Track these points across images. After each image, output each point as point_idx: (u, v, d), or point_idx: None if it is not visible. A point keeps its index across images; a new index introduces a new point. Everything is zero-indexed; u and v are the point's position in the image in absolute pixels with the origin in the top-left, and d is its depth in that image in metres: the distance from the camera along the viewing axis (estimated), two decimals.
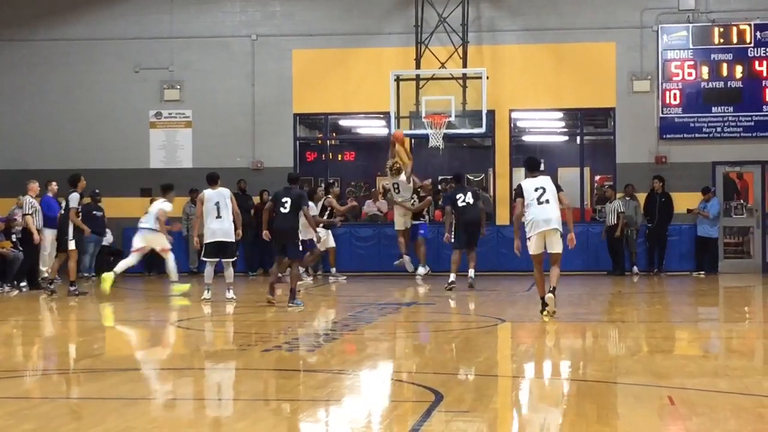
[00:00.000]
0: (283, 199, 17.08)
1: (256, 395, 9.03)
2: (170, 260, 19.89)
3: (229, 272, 18.12)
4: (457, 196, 20.65)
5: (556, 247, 14.82)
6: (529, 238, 14.82)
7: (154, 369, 10.93)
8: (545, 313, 14.63)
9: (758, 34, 24.95)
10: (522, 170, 29.15)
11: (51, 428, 7.58)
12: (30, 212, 21.30)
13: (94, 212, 23.96)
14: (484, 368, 10.78)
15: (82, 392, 9.35)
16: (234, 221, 18.04)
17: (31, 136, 26.83)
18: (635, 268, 24.77)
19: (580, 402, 8.66)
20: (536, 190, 14.69)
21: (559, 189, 14.83)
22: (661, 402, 8.54)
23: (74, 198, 19.60)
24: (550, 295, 14.59)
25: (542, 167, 15.84)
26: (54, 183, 22.89)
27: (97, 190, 24.41)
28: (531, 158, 15.72)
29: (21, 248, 21.56)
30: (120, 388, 9.76)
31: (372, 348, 12.64)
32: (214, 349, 13.08)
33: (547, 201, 14.62)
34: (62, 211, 20.01)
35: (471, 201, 20.63)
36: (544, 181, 14.82)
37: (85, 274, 23.44)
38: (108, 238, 25.24)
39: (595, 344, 13.04)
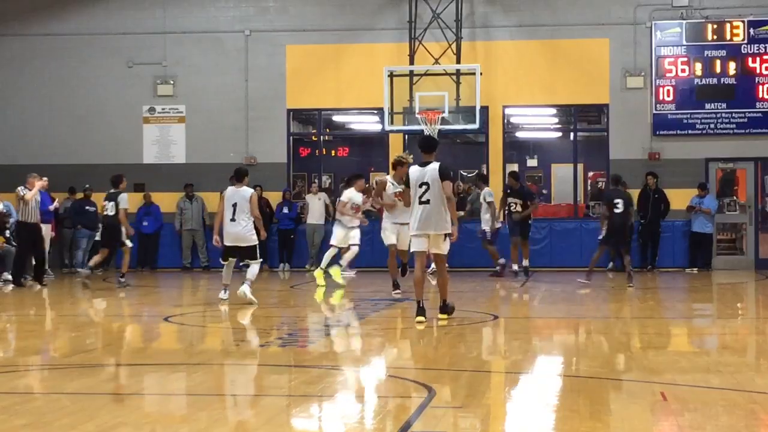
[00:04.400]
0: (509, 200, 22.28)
1: (248, 390, 9.01)
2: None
3: (252, 271, 16.79)
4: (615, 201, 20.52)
5: (437, 248, 13.91)
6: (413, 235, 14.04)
7: (147, 364, 10.90)
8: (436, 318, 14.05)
9: (751, 30, 24.95)
10: (515, 165, 29.47)
11: (43, 423, 7.56)
12: None
13: (87, 207, 23.93)
14: (476, 364, 10.77)
15: (74, 388, 9.31)
16: (255, 223, 16.88)
17: (23, 132, 26.77)
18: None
19: (573, 398, 8.64)
20: (420, 185, 13.67)
21: (444, 177, 13.63)
22: (653, 398, 8.53)
23: (124, 198, 20.06)
24: (443, 315, 14.00)
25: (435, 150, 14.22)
26: (45, 179, 22.95)
27: (87, 185, 24.37)
28: (426, 138, 15.24)
29: (14, 243, 21.53)
30: (112, 383, 9.75)
31: (365, 344, 12.64)
32: (208, 344, 13.05)
33: (428, 201, 13.63)
34: (108, 212, 20.35)
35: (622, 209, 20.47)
36: (431, 173, 13.63)
37: (78, 270, 23.39)
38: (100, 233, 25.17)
39: (588, 340, 13.05)
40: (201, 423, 7.81)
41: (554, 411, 8.14)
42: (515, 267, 22.75)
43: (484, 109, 24.76)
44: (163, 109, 26.77)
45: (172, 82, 26.72)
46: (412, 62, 24.92)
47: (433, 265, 17.55)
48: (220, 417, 8.01)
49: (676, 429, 7.33)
